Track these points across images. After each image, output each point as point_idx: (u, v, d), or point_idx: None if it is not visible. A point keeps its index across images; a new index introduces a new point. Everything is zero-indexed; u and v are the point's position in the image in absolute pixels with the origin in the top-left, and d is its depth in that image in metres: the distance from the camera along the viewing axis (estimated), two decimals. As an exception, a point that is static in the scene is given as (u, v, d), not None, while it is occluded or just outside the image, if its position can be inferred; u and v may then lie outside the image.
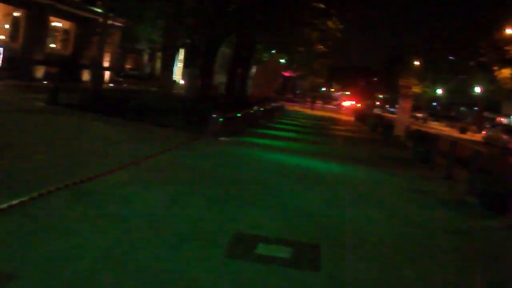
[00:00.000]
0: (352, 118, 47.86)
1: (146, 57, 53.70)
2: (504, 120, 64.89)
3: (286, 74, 68.28)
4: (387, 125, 26.78)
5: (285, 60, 62.89)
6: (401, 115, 23.38)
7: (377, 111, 70.23)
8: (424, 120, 69.54)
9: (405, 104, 23.73)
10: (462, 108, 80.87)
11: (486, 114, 71.29)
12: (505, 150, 32.47)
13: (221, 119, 16.68)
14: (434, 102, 77.32)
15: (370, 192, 10.63)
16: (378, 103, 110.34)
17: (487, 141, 38.13)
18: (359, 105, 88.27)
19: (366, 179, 12.48)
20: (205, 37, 26.27)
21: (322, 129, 28.13)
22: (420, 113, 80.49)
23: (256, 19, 26.23)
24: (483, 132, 42.85)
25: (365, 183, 11.79)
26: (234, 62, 30.00)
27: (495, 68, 39.34)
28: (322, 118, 40.70)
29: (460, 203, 10.75)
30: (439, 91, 70.91)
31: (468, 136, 47.35)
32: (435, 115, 73.91)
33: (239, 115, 20.95)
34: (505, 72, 38.35)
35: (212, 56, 25.97)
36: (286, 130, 24.00)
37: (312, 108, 62.86)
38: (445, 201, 10.87)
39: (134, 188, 7.91)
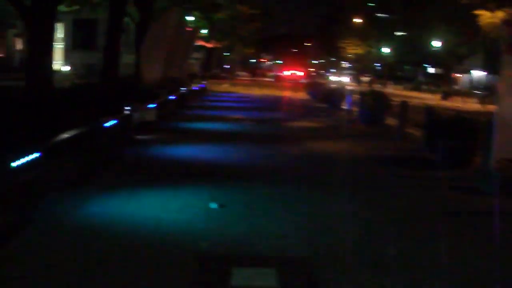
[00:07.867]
0: (304, 95, 35.63)
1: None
2: (462, 76, 56.33)
3: (209, 45, 56.65)
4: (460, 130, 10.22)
5: (207, 29, 51.44)
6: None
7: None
8: (383, 84, 57.55)
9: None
10: (406, 67, 72.31)
11: (437, 71, 62.64)
12: None
13: None
14: (379, 62, 68.42)
15: None
16: (313, 69, 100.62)
17: None
18: (302, 74, 76.93)
19: None
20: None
21: (293, 146, 12.62)
22: (365, 76, 70.77)
23: None
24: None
25: None
26: (112, 28, 18.43)
27: (480, 12, 29.56)
28: (270, 105, 26.34)
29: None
30: (386, 50, 61.87)
31: (459, 103, 33.67)
32: (380, 77, 64.33)
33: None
34: (497, 16, 28.62)
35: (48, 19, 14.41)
36: (193, 178, 8.63)
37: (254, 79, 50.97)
38: None
39: None
